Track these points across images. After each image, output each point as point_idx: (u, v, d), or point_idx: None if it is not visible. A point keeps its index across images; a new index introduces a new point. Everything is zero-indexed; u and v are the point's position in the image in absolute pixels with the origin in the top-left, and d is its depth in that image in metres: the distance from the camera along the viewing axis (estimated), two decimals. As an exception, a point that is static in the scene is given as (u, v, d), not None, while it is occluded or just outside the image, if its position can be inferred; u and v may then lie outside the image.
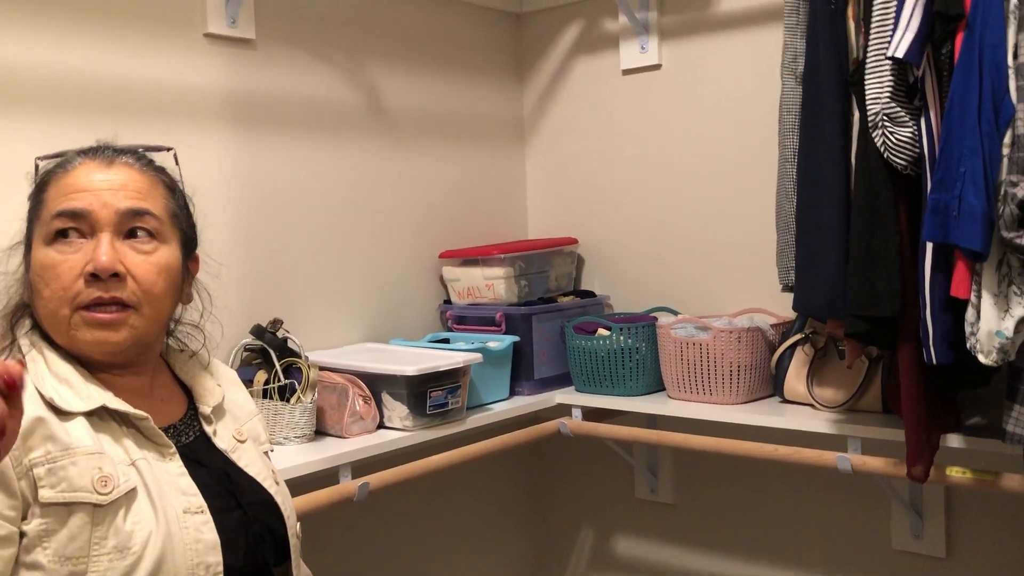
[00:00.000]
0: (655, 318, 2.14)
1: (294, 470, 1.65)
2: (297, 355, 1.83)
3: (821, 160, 1.65)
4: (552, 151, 2.50)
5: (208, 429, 1.19)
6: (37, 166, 1.15)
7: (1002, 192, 1.36)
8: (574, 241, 2.38)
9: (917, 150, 1.50)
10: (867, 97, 1.52)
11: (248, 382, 1.83)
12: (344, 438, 1.80)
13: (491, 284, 2.19)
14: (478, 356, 1.93)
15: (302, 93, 2.04)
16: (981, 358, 1.39)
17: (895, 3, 1.50)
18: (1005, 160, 1.38)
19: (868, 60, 1.53)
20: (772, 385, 1.98)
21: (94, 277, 1.04)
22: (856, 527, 2.06)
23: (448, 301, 2.31)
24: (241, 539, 1.09)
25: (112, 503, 0.99)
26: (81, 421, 1.03)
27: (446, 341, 2.18)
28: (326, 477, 1.70)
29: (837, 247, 1.61)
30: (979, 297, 1.40)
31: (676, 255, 2.27)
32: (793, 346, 1.93)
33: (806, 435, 1.83)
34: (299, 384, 1.78)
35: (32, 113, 1.63)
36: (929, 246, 1.46)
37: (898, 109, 1.49)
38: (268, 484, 1.19)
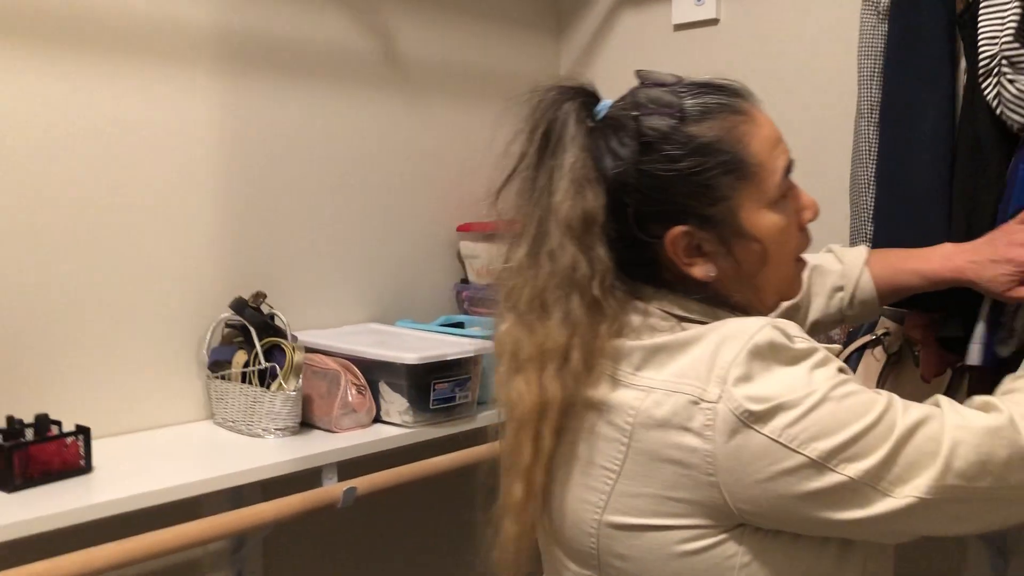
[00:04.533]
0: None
1: (270, 469, 1.42)
2: (282, 334, 1.58)
3: (922, 109, 1.35)
4: (592, 116, 2.23)
5: None
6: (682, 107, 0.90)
7: None
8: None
9: None
10: (980, 37, 1.24)
11: (226, 363, 1.59)
12: (333, 432, 1.56)
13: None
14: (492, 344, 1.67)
15: (306, 34, 1.78)
16: None
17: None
18: None
19: None
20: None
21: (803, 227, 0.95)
22: (922, 562, 1.78)
23: (465, 280, 2.05)
24: None
25: None
26: None
27: (460, 325, 1.92)
28: (308, 475, 1.47)
29: (937, 216, 1.32)
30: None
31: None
32: (861, 348, 1.65)
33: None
34: (281, 368, 1.53)
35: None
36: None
37: (1023, 52, 1.20)
38: None
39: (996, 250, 1.17)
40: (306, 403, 1.58)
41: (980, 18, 1.23)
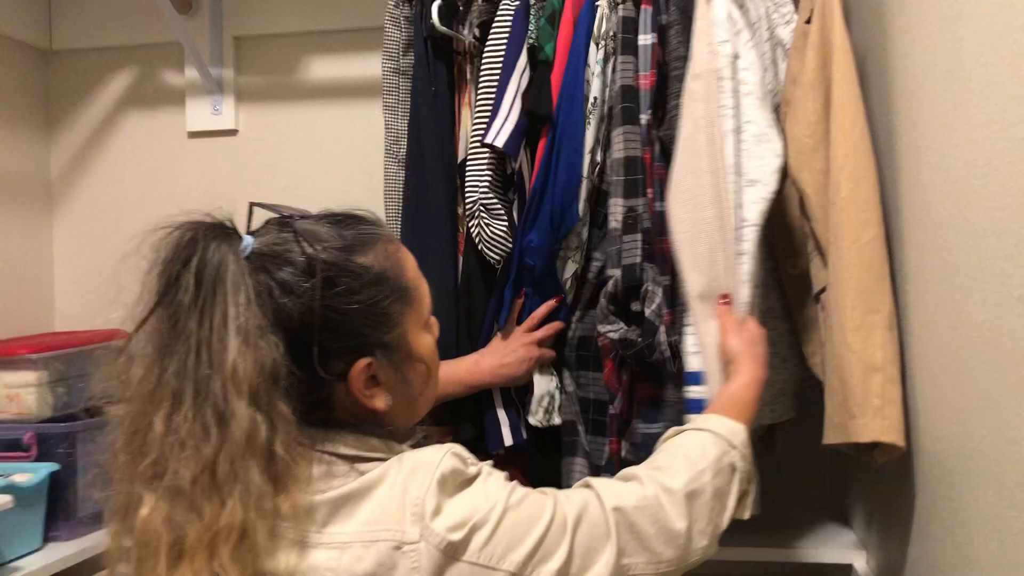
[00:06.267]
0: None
1: None
2: None
3: (427, 254, 1.49)
4: (90, 224, 2.02)
5: None
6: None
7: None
8: (125, 335, 1.92)
9: (511, 245, 1.43)
10: (466, 186, 1.43)
11: None
12: None
13: (15, 395, 1.64)
14: (7, 500, 1.40)
15: None
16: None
17: (496, 90, 1.43)
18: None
19: (470, 146, 1.44)
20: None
21: None
22: None
23: (-53, 417, 1.69)
24: None
25: None
26: None
27: (-55, 474, 1.58)
28: None
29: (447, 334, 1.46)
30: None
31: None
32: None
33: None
34: None
35: None
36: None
37: (495, 201, 1.42)
38: None
39: (515, 352, 1.38)
40: None
41: (466, 168, 1.42)
